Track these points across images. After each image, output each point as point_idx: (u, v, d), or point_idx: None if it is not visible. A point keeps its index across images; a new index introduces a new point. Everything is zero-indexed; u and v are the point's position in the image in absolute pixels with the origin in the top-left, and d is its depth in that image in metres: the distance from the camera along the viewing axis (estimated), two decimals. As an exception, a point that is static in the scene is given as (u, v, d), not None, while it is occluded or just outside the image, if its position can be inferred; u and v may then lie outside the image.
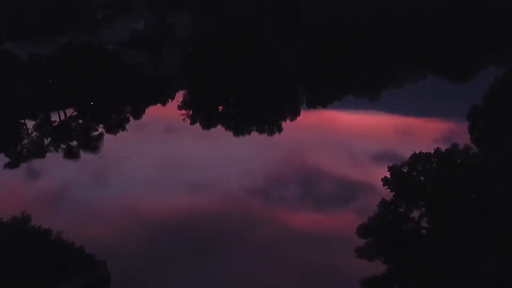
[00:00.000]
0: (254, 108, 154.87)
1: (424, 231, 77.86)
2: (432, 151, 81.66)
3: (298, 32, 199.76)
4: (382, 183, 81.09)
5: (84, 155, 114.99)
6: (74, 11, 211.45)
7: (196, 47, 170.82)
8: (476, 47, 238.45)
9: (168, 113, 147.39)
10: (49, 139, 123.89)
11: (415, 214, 78.66)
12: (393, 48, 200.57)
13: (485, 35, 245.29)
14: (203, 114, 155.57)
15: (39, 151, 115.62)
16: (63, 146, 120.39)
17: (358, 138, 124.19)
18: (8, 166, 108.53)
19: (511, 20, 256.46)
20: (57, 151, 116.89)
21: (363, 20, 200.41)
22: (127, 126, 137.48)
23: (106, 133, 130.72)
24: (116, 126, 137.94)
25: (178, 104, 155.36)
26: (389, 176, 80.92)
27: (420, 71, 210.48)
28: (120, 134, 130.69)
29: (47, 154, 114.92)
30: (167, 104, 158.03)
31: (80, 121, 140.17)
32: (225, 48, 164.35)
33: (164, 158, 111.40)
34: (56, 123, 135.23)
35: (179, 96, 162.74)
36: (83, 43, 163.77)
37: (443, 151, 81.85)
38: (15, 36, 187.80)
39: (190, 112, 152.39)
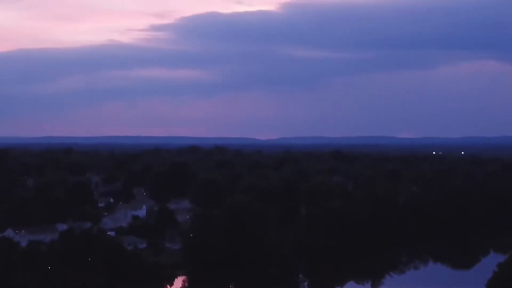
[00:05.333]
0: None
1: None
2: None
3: (297, 217, 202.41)
4: None
5: None
6: (76, 200, 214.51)
7: (196, 233, 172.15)
8: (477, 234, 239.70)
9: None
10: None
11: None
12: (394, 234, 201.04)
13: (485, 222, 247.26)
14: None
15: None
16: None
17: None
18: None
19: (511, 207, 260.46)
20: None
21: (362, 207, 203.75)
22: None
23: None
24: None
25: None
26: None
27: (421, 257, 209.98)
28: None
29: None
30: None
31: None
32: (225, 234, 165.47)
33: None
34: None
35: (178, 282, 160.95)
36: (83, 230, 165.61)
37: None
38: (16, 224, 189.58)
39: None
